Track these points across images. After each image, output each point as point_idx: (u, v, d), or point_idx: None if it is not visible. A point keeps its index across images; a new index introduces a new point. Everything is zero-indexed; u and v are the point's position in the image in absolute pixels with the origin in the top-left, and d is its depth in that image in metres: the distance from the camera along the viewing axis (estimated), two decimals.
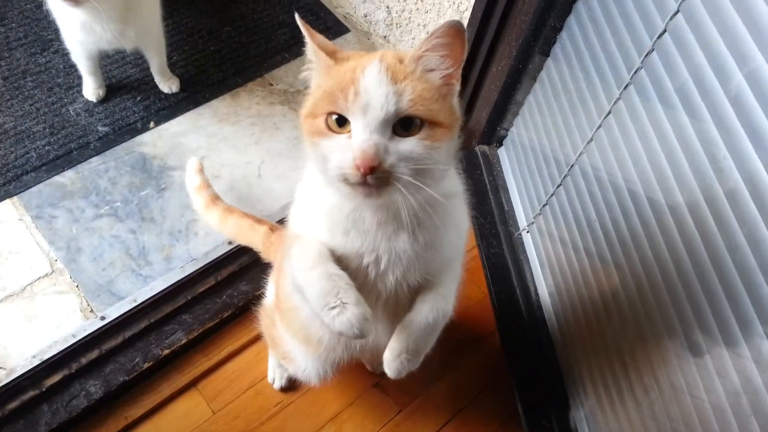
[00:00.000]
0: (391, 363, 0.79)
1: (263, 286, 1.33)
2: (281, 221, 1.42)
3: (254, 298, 1.34)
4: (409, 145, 0.65)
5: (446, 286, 0.81)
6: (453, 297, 0.82)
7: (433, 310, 0.78)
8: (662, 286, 0.96)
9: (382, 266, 0.76)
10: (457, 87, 0.69)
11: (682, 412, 0.92)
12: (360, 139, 0.64)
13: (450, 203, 0.76)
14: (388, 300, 0.81)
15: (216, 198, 1.39)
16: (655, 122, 0.99)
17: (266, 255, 1.29)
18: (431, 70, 0.66)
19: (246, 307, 1.35)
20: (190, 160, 1.45)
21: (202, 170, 1.42)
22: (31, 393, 1.20)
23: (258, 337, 1.32)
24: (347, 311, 0.70)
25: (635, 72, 1.03)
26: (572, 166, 1.20)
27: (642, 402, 1.01)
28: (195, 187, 1.40)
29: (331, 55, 0.70)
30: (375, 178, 0.64)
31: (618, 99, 1.08)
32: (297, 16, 0.71)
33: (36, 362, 1.21)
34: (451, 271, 0.83)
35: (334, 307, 0.71)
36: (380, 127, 0.64)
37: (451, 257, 0.82)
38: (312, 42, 0.70)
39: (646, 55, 1.00)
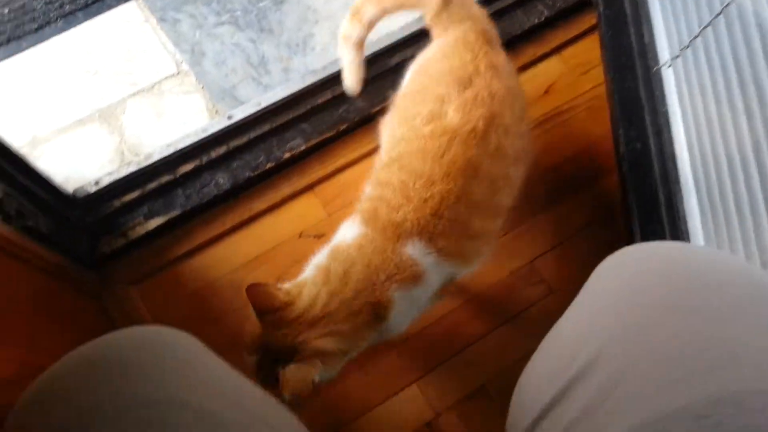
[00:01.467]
0: None
1: (379, 103, 1.33)
2: None
3: (369, 115, 1.35)
4: None
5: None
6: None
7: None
8: None
9: None
10: None
11: None
12: None
13: None
14: None
15: None
16: None
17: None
18: None
19: (362, 123, 1.36)
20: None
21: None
22: (167, 177, 1.29)
23: (372, 152, 1.34)
24: None
25: None
26: None
27: None
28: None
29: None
30: None
31: None
32: None
33: (170, 150, 1.29)
34: None
35: None
36: None
37: None
38: None
39: None
